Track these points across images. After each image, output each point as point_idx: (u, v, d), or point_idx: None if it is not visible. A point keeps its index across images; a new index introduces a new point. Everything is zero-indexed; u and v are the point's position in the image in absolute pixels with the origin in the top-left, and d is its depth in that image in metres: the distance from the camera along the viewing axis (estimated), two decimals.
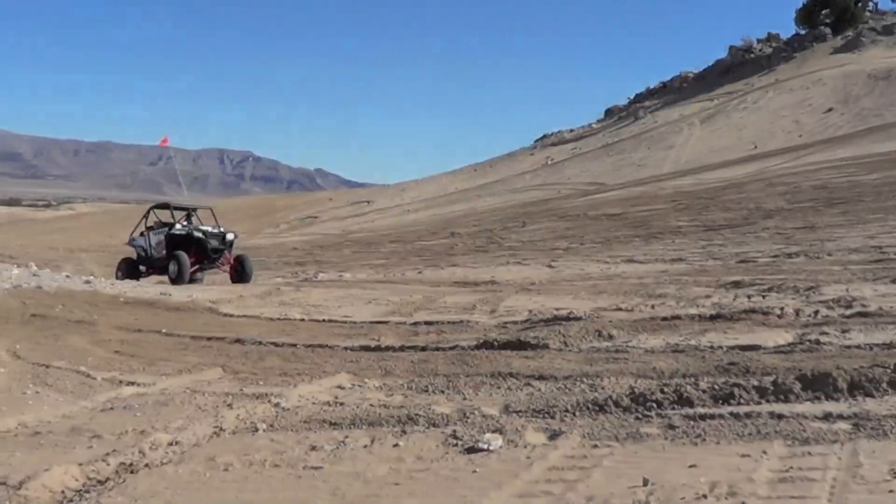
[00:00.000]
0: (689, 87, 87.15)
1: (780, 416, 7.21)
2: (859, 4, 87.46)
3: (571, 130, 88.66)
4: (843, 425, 6.92)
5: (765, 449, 6.50)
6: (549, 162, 71.70)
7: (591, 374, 9.34)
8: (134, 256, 28.48)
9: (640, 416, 7.63)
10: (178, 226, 27.87)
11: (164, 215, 29.25)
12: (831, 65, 73.70)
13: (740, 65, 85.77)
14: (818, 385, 7.86)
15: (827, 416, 7.16)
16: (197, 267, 26.72)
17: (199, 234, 26.94)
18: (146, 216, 29.39)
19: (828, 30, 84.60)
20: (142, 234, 28.59)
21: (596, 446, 6.92)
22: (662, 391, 8.05)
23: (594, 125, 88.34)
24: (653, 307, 13.84)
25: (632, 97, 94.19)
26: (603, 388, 8.71)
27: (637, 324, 12.32)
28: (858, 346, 9.80)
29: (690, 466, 6.26)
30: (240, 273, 26.50)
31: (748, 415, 7.32)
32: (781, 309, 12.41)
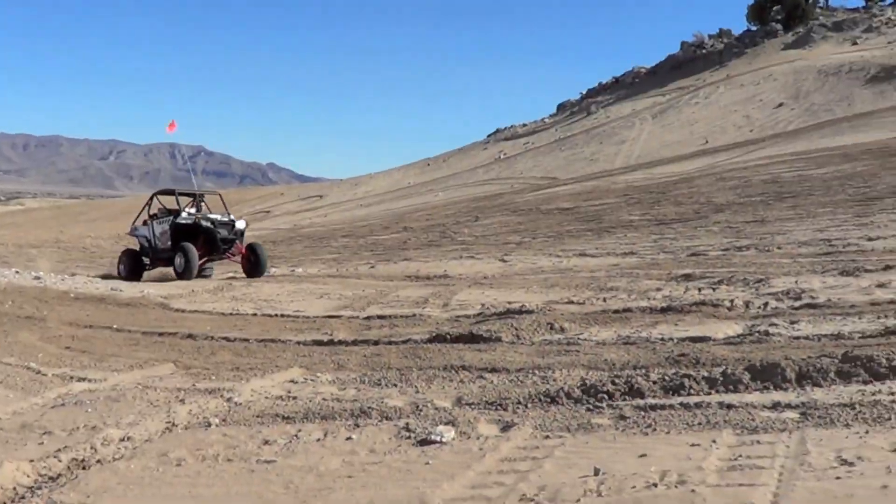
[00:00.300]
0: (641, 83, 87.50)
1: (729, 406, 7.32)
2: (810, 1, 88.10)
3: (524, 125, 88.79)
4: (791, 414, 7.03)
5: (714, 438, 6.59)
6: (502, 156, 71.80)
7: (542, 367, 9.41)
8: (137, 248, 26.63)
9: (591, 407, 7.70)
10: (183, 214, 25.57)
11: (169, 202, 27.17)
12: (782, 60, 74.19)
13: (692, 60, 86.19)
14: (767, 375, 7.97)
15: (775, 406, 7.27)
16: (206, 259, 24.92)
17: (208, 224, 24.78)
18: (149, 203, 27.30)
19: (779, 26, 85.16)
20: (145, 223, 26.54)
21: (548, 437, 6.98)
22: (613, 383, 8.13)
23: (546, 120, 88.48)
24: (604, 300, 13.91)
25: (584, 92, 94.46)
26: (555, 380, 8.77)
27: (589, 317, 12.42)
28: (807, 337, 9.92)
29: (641, 456, 6.34)
30: (253, 264, 24.21)
31: (698, 405, 7.42)
32: (731, 301, 12.52)
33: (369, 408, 8.10)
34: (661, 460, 6.21)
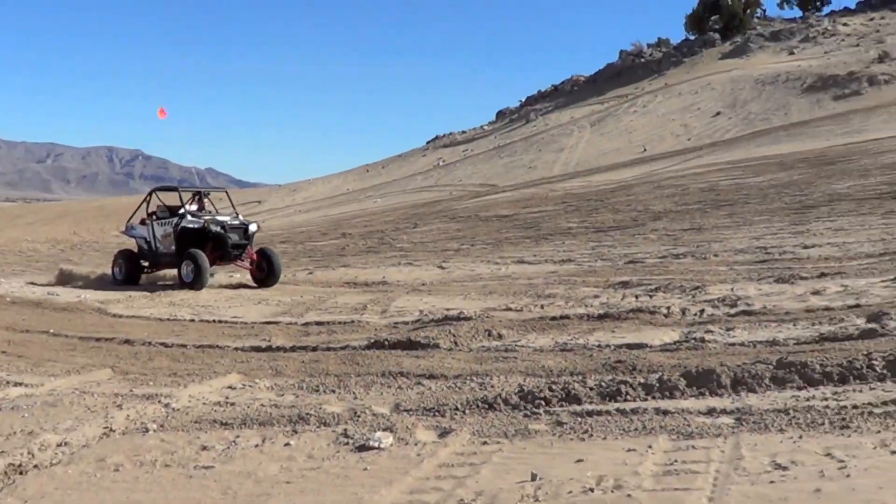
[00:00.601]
0: (580, 91, 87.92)
1: (665, 412, 7.40)
2: (748, 11, 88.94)
3: (463, 132, 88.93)
4: (726, 420, 7.11)
5: (650, 443, 6.66)
6: (441, 163, 71.85)
7: (480, 373, 9.46)
8: (135, 249, 24.37)
9: (528, 413, 7.74)
10: (188, 216, 23.07)
11: (169, 198, 24.91)
12: (720, 70, 74.81)
13: (631, 69, 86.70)
14: (703, 381, 8.06)
15: (711, 412, 7.35)
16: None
17: (217, 229, 22.32)
18: (147, 200, 25.06)
19: (717, 35, 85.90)
20: (143, 222, 24.18)
21: (485, 443, 7.01)
22: (551, 389, 8.18)
23: (485, 127, 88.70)
24: (542, 307, 13.99)
25: (523, 100, 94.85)
26: (492, 387, 8.82)
27: (526, 323, 12.48)
28: (742, 344, 10.04)
29: (577, 461, 6.39)
30: (266, 272, 21.94)
31: (634, 411, 7.50)
32: (668, 308, 12.64)
33: (307, 414, 8.09)
34: (598, 465, 6.27)
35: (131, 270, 23.60)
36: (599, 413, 7.52)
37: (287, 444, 7.30)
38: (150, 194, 25.33)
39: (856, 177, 31.62)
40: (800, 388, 7.85)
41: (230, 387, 9.77)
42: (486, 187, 53.06)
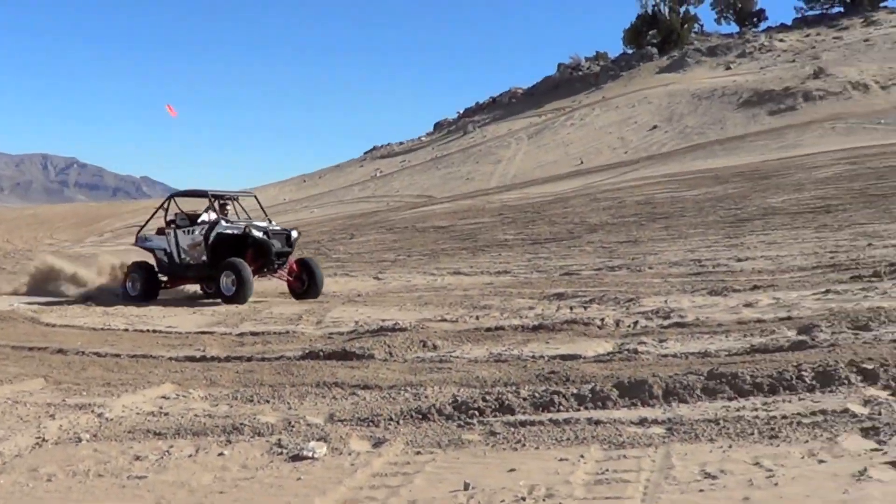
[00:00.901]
0: (518, 103, 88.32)
1: (597, 422, 7.44)
2: (685, 26, 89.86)
3: (401, 143, 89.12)
4: (658, 430, 7.17)
5: (582, 453, 6.70)
6: (379, 174, 71.91)
7: (415, 384, 9.48)
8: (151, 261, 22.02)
9: (462, 423, 7.77)
10: (223, 222, 20.88)
11: (188, 204, 22.90)
12: (657, 84, 75.49)
13: (568, 82, 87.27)
14: (635, 392, 8.13)
15: (642, 422, 7.41)
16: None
17: (260, 235, 20.24)
18: (165, 207, 22.49)
19: (654, 50, 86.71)
20: (161, 232, 21.89)
21: (419, 453, 7.03)
22: (484, 399, 8.22)
23: (423, 138, 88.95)
24: (477, 318, 14.03)
25: (461, 111, 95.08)
26: (426, 397, 8.84)
27: (461, 334, 12.50)
28: (674, 355, 10.12)
29: (510, 471, 6.43)
30: (307, 284, 20.18)
31: (567, 421, 7.54)
32: (602, 320, 12.70)
33: (241, 424, 8.07)
34: (530, 474, 6.31)
35: (150, 285, 21.28)
36: (532, 423, 7.56)
37: (221, 454, 7.27)
38: (168, 200, 22.96)
39: (790, 191, 32.03)
40: (730, 399, 7.93)
41: (164, 397, 9.72)
42: (423, 198, 53.19)
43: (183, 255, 21.09)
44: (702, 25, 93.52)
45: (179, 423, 8.36)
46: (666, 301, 14.13)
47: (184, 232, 21.17)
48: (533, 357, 10.60)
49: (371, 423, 7.96)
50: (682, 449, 6.66)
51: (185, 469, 6.96)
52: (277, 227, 21.00)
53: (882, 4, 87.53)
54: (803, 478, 5.93)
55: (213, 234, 20.58)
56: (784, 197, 30.35)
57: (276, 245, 20.32)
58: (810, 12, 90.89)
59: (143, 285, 21.04)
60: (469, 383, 9.35)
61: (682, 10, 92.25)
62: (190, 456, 7.30)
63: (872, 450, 6.36)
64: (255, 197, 23.46)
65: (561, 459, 6.61)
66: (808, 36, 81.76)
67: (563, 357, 10.43)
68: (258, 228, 20.42)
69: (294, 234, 21.03)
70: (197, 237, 20.81)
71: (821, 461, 6.22)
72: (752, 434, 6.89)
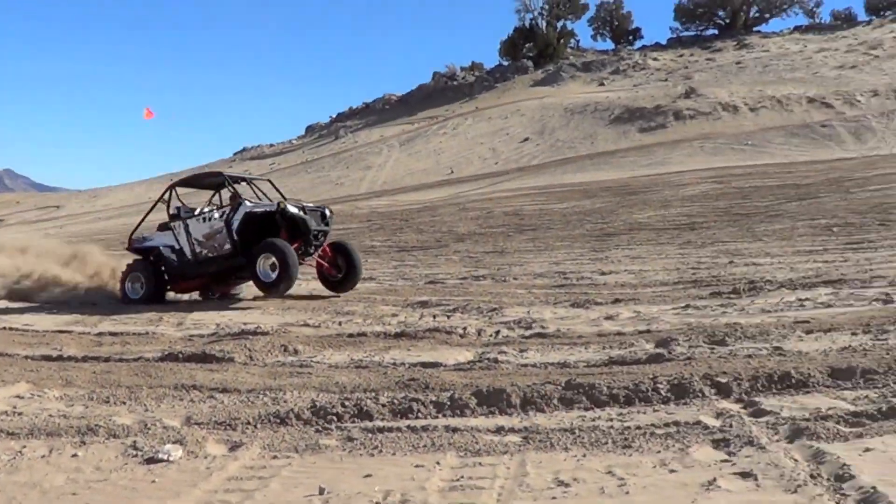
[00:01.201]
0: (391, 110, 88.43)
1: (454, 430, 7.49)
2: (562, 41, 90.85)
3: (272, 145, 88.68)
4: (514, 438, 7.24)
5: (438, 460, 6.75)
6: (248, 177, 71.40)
7: (274, 388, 9.43)
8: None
9: (320, 428, 7.77)
10: (247, 202, 17.98)
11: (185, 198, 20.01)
12: (530, 96, 76.20)
13: (443, 91, 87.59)
14: (493, 400, 8.20)
15: (499, 430, 7.47)
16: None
17: (296, 211, 17.38)
18: (166, 199, 19.36)
19: (530, 63, 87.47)
20: (164, 227, 19.06)
21: (275, 457, 7.02)
22: (343, 405, 8.22)
23: (294, 141, 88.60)
24: (340, 324, 14.00)
25: (334, 116, 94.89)
26: (285, 402, 8.81)
27: (323, 340, 12.49)
28: (534, 365, 10.19)
29: (366, 476, 6.45)
30: (344, 272, 17.94)
31: (425, 428, 7.57)
32: (464, 328, 12.76)
33: (97, 425, 7.96)
34: (386, 480, 6.34)
35: (157, 284, 18.60)
36: (390, 429, 7.58)
37: (75, 456, 7.18)
38: (168, 190, 19.62)
39: (656, 207, 32.58)
40: (587, 409, 8.03)
41: (18, 396, 9.54)
42: None
43: (199, 249, 18.21)
44: (578, 41, 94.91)
45: (33, 423, 8.22)
46: (528, 312, 14.23)
47: (198, 220, 18.44)
48: (394, 364, 10.63)
49: (228, 427, 7.92)
50: (537, 457, 6.73)
51: (37, 470, 6.86)
52: (310, 204, 18.24)
53: (755, 29, 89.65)
54: (654, 487, 6.04)
55: (240, 215, 17.61)
56: (650, 213, 30.86)
57: (313, 224, 17.57)
58: (685, 33, 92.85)
59: (151, 285, 18.46)
60: (329, 389, 9.34)
61: (560, 24, 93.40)
62: (43, 457, 7.19)
63: (722, 461, 6.48)
64: (271, 181, 21.05)
65: (417, 466, 6.64)
66: (681, 56, 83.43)
67: (424, 364, 10.46)
68: (294, 204, 17.70)
69: (327, 211, 18.26)
70: (216, 224, 17.96)
71: (672, 471, 6.33)
72: (606, 444, 6.99)
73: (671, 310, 13.74)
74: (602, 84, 77.40)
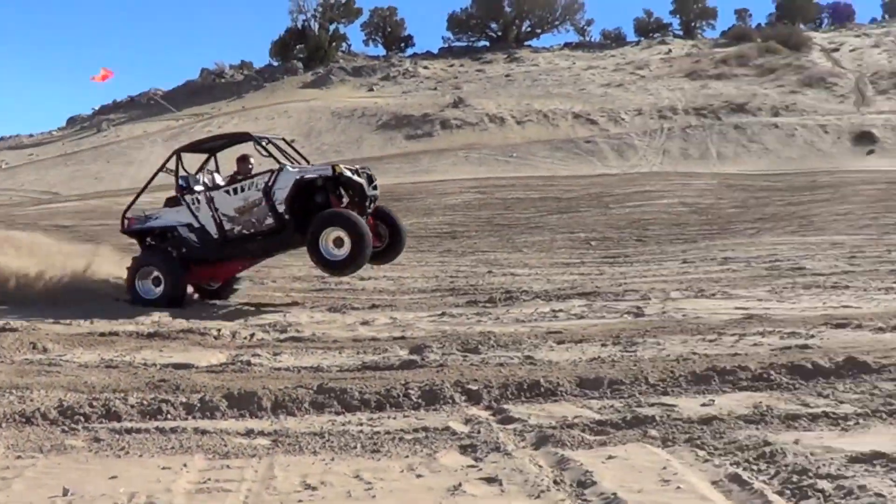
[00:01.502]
0: (156, 104, 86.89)
1: (204, 432, 7.49)
2: (333, 44, 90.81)
3: (31, 136, 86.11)
4: (264, 441, 7.29)
5: (186, 462, 6.74)
6: (4, 166, 69.23)
7: (21, 386, 9.21)
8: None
9: (67, 428, 7.66)
10: (288, 167, 15.31)
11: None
12: (299, 98, 75.88)
13: (210, 88, 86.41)
14: (244, 403, 8.23)
15: (249, 433, 7.51)
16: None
17: (351, 174, 15.06)
18: (169, 169, 16.17)
19: (300, 64, 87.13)
20: (174, 201, 16.07)
21: (20, 457, 6.90)
22: (91, 405, 8.13)
23: (55, 132, 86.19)
24: (91, 322, 13.72)
25: (97, 108, 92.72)
26: (32, 401, 8.62)
27: (74, 338, 12.28)
28: (287, 369, 10.23)
29: (112, 478, 6.40)
30: (389, 240, 15.97)
31: (173, 430, 7.55)
32: (219, 330, 12.72)
33: None
34: (132, 482, 6.30)
35: (179, 280, 15.55)
36: (138, 431, 7.54)
37: None
38: (174, 157, 16.33)
39: (419, 215, 32.92)
40: (338, 413, 8.12)
41: None
42: (49, 195, 51.68)
43: (230, 225, 15.41)
44: (349, 45, 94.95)
45: None
46: (285, 315, 14.25)
47: (226, 192, 15.48)
48: (145, 364, 10.53)
49: None
50: (285, 460, 6.79)
51: None
52: (356, 167, 15.91)
53: (526, 43, 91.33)
54: (400, 491, 6.16)
55: (286, 182, 14.97)
56: (413, 220, 31.10)
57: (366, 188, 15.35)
58: (457, 43, 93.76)
59: (171, 281, 15.41)
60: (77, 388, 9.19)
61: (332, 27, 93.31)
62: None
63: (469, 466, 6.65)
64: (285, 140, 17.83)
65: (164, 468, 6.62)
66: (452, 66, 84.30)
67: (176, 366, 10.40)
68: (348, 167, 15.42)
69: (374, 175, 15.98)
70: (251, 194, 15.17)
71: (419, 475, 6.46)
72: (356, 448, 7.09)
73: (427, 317, 13.92)
74: (371, 89, 77.71)
